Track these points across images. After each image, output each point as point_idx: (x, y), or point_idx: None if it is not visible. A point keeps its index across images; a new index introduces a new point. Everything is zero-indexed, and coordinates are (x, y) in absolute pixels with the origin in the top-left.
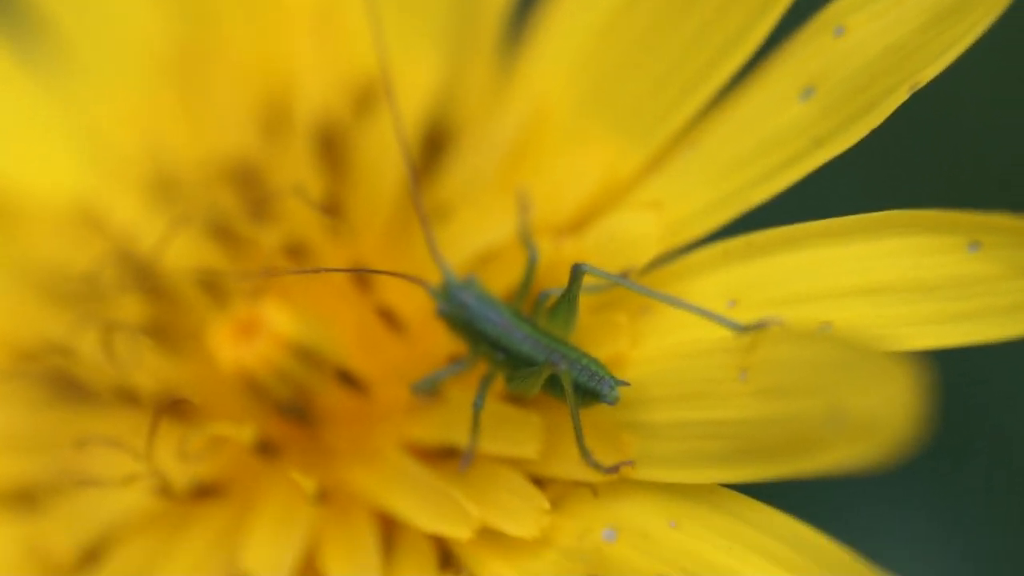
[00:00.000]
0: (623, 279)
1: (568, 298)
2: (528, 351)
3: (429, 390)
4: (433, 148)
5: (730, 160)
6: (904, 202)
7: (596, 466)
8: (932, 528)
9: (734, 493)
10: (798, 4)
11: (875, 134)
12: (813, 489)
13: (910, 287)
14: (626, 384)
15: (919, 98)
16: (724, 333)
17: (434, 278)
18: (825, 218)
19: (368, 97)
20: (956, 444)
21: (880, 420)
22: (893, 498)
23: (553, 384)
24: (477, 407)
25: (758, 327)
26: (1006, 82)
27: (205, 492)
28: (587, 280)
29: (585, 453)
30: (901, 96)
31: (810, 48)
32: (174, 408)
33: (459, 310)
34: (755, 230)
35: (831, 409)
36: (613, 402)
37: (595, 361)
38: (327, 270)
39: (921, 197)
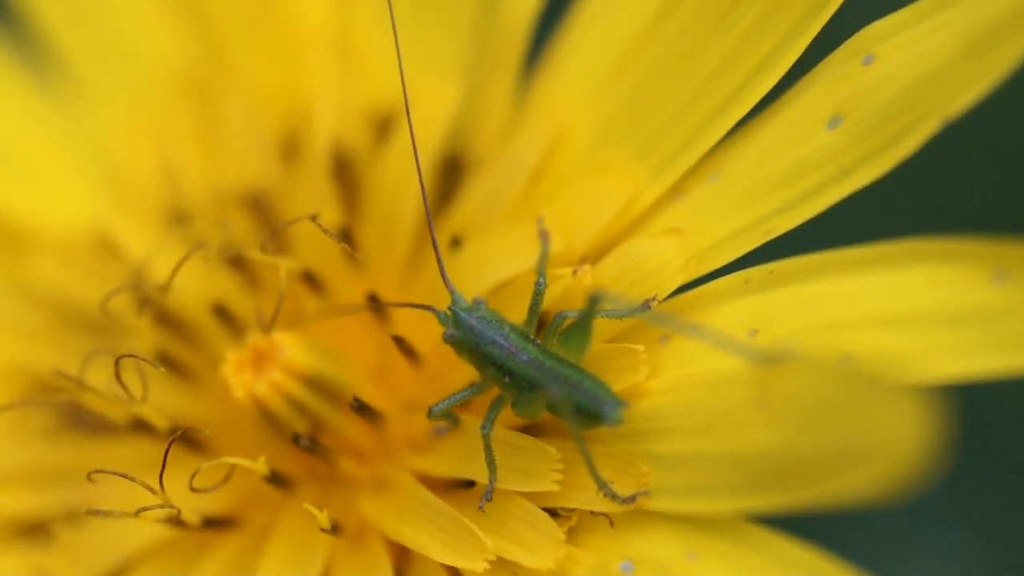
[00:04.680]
0: (638, 310)
1: (582, 324)
2: (532, 374)
3: (446, 414)
4: (451, 175)
5: (753, 188)
6: (931, 227)
7: (612, 496)
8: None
9: (754, 525)
10: (824, 33)
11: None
12: (837, 520)
13: (934, 317)
14: (626, 404)
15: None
16: (740, 363)
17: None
18: (849, 244)
19: (385, 125)
20: (993, 474)
21: (890, 452)
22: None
23: (557, 407)
24: (485, 430)
25: (774, 357)
26: None
27: (220, 523)
28: (606, 306)
29: (599, 481)
30: (932, 127)
31: (838, 76)
32: (188, 439)
33: (464, 333)
34: (777, 257)
35: (841, 440)
36: (615, 424)
37: (599, 383)
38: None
39: (950, 222)
